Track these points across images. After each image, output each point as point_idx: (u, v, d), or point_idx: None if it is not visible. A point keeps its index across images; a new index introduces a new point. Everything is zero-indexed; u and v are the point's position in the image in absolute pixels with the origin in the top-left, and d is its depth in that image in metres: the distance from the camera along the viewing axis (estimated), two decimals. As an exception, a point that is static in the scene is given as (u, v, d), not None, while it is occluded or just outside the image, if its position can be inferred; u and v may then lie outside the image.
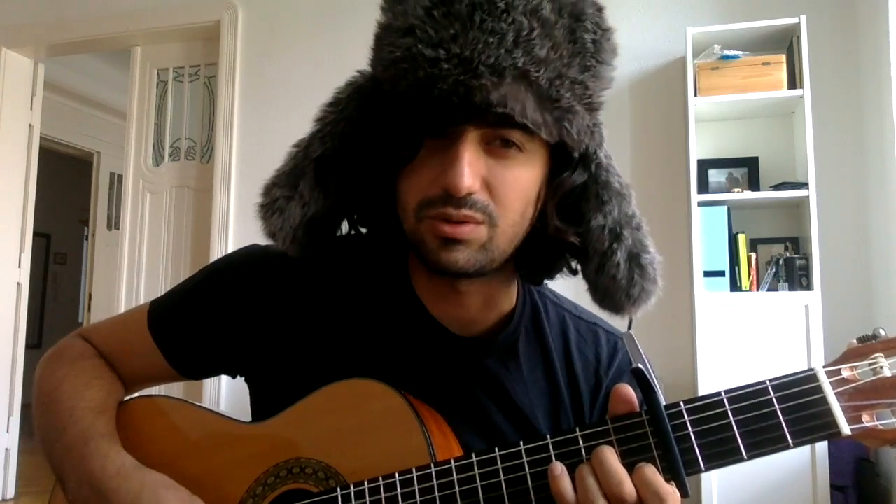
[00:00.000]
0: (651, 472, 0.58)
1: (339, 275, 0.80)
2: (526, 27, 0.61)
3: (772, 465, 2.38)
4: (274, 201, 0.75)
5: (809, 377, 0.58)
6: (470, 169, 0.64)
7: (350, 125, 0.74)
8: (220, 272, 0.85)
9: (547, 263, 0.77)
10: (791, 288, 2.55)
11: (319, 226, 0.76)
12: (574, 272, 0.79)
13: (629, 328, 0.74)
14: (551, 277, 0.80)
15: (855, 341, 0.60)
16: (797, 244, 2.68)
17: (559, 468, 0.60)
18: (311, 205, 0.74)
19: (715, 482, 2.44)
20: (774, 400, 0.58)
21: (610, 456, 0.59)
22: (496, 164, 0.66)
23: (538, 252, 0.75)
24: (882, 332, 0.59)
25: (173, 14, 3.59)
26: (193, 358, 0.84)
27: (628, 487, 0.57)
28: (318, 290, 0.80)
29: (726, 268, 2.59)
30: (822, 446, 2.35)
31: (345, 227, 0.82)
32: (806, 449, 2.35)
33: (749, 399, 0.59)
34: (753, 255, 2.62)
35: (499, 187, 0.66)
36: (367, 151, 0.73)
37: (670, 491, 0.57)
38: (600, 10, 0.68)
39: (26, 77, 3.98)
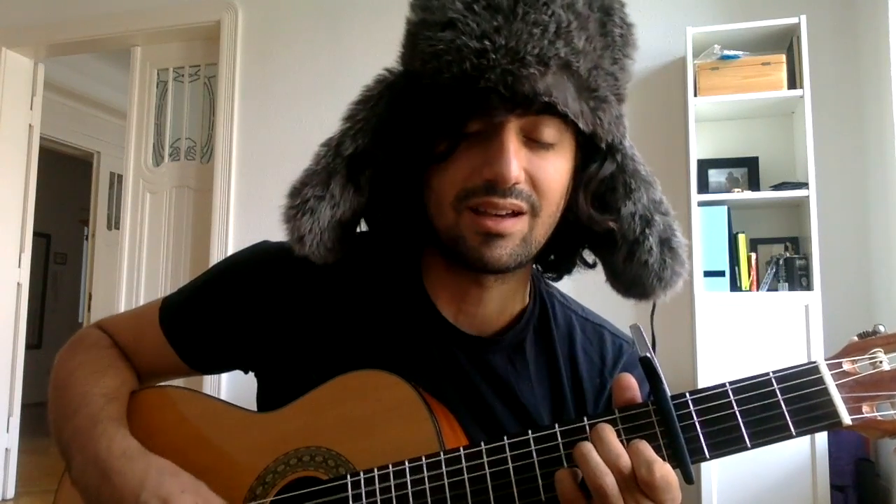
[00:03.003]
0: (643, 445, 0.58)
1: (350, 272, 0.80)
2: (565, 19, 0.63)
3: (772, 464, 2.38)
4: (305, 202, 0.73)
5: (812, 369, 0.60)
6: (516, 159, 0.65)
7: (382, 122, 0.73)
8: (232, 269, 0.85)
9: (570, 256, 0.79)
10: (791, 288, 2.55)
11: (345, 228, 0.75)
12: (591, 266, 0.81)
13: (653, 312, 0.75)
14: (570, 272, 0.81)
15: (856, 337, 0.61)
16: (797, 244, 2.68)
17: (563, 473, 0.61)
18: (340, 205, 0.73)
19: (715, 482, 2.44)
20: (778, 391, 0.59)
21: (608, 431, 0.60)
22: (535, 157, 0.68)
23: (563, 245, 0.76)
24: (882, 329, 0.61)
25: (173, 14, 3.59)
26: (204, 353, 0.85)
27: (625, 460, 0.58)
28: (329, 287, 0.80)
29: (726, 268, 2.59)
30: (822, 446, 2.35)
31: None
32: (806, 449, 2.36)
33: (753, 390, 0.60)
34: (753, 255, 2.63)
35: (541, 178, 0.68)
36: (402, 147, 0.72)
37: (659, 460, 0.58)
38: (623, 5, 0.70)
39: (26, 77, 3.99)
